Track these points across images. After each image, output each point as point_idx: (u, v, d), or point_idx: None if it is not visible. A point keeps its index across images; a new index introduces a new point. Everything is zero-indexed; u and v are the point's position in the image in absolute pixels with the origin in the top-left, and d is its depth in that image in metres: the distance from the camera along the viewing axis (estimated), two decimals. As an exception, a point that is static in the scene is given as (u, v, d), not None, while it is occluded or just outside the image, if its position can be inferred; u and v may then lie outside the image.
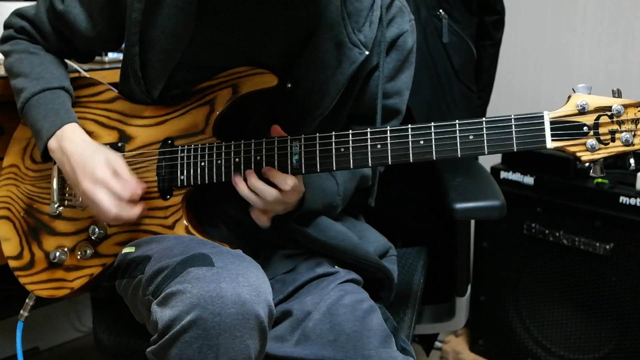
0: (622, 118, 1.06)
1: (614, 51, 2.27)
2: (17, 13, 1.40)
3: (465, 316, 2.11)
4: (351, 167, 1.16)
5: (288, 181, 1.19)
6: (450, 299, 2.05)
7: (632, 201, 1.94)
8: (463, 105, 2.07)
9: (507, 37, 2.16)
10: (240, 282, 1.03)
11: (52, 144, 1.30)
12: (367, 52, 1.24)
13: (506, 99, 2.45)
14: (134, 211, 1.24)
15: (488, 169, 2.15)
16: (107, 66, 1.81)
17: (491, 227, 2.25)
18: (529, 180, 2.15)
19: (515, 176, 2.18)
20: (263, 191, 1.19)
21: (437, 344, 2.42)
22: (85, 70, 1.56)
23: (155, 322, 1.04)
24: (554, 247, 2.10)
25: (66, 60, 1.50)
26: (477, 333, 2.36)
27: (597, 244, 2.01)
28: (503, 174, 2.20)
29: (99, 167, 1.23)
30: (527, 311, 2.20)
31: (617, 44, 2.27)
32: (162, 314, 1.03)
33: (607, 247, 1.99)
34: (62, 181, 1.39)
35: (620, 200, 1.97)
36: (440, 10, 1.97)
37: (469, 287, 2.14)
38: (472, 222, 2.26)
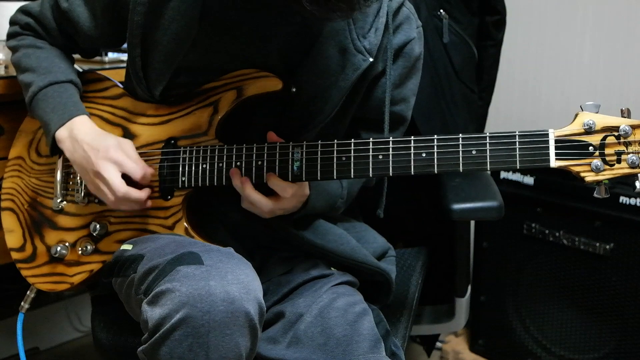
0: (629, 139, 1.04)
1: (614, 51, 2.27)
2: (23, 10, 1.42)
3: (466, 317, 2.11)
4: (352, 176, 1.16)
5: (288, 189, 1.19)
6: (450, 300, 2.05)
7: (632, 201, 1.94)
8: (463, 105, 2.06)
9: (508, 38, 2.15)
10: (229, 280, 1.03)
11: (62, 133, 1.31)
12: (371, 59, 1.23)
13: (506, 100, 2.45)
14: (142, 194, 1.25)
15: (488, 169, 2.15)
16: (107, 66, 1.82)
17: (491, 227, 2.24)
18: (529, 180, 2.15)
19: (515, 176, 2.18)
20: (258, 202, 1.21)
21: (437, 344, 2.42)
22: (86, 70, 1.56)
23: (145, 322, 1.05)
24: (554, 247, 2.10)
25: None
26: (477, 333, 2.35)
27: (597, 244, 2.01)
28: (503, 174, 2.20)
29: (113, 148, 1.25)
30: (527, 311, 2.20)
31: (617, 44, 2.26)
32: (152, 313, 1.03)
33: (607, 247, 1.99)
34: (66, 176, 1.40)
35: (620, 200, 1.96)
36: (441, 10, 1.97)
37: (469, 288, 2.15)
38: (472, 222, 2.26)
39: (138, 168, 1.24)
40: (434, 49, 1.97)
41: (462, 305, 2.06)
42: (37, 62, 1.36)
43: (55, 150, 1.34)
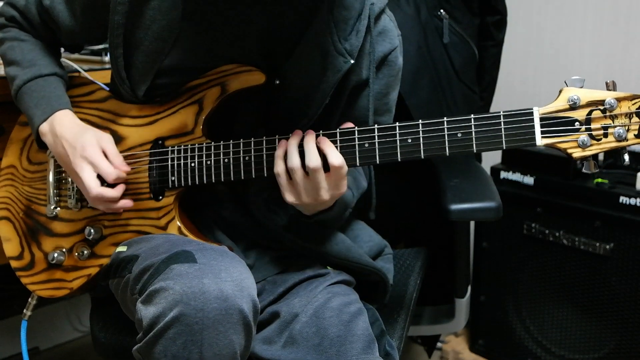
0: (615, 112, 1.03)
1: (614, 51, 2.27)
2: (8, 2, 1.42)
3: (466, 318, 2.11)
4: None
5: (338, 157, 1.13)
6: (451, 300, 2.05)
7: (632, 201, 1.94)
8: (464, 105, 2.06)
9: (508, 37, 2.15)
10: (222, 278, 1.03)
11: (44, 127, 1.31)
12: (352, 61, 1.23)
13: (506, 99, 2.45)
14: (115, 192, 1.25)
15: (488, 169, 2.16)
16: (107, 66, 1.82)
17: (491, 227, 2.24)
18: (529, 180, 2.15)
19: (515, 176, 2.17)
20: (291, 155, 1.14)
21: (437, 344, 2.42)
22: (85, 70, 1.57)
23: (140, 320, 1.05)
24: (554, 247, 2.10)
25: (66, 61, 1.51)
26: (477, 333, 2.36)
27: (597, 244, 2.00)
28: (503, 174, 2.20)
29: (89, 146, 1.25)
30: (527, 311, 2.20)
31: (617, 44, 2.26)
32: (146, 312, 1.03)
33: (607, 247, 1.98)
34: (58, 182, 1.40)
35: (620, 200, 1.96)
36: (441, 10, 1.97)
37: (469, 288, 2.14)
38: (472, 222, 2.26)
39: (112, 170, 1.24)
40: (434, 49, 1.97)
41: (462, 305, 2.06)
42: (21, 55, 1.37)
43: (42, 144, 1.35)
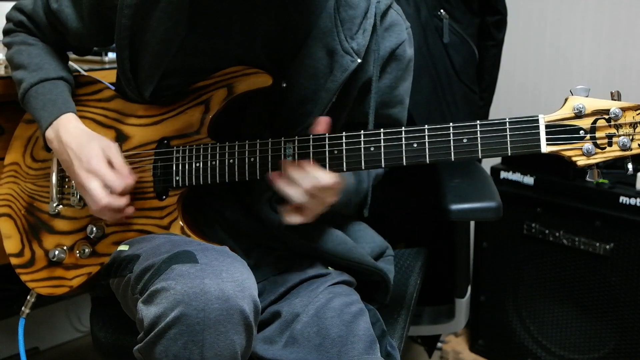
0: (619, 122, 1.04)
1: (614, 51, 2.27)
2: (17, 7, 1.43)
3: (466, 318, 2.11)
4: (344, 169, 1.16)
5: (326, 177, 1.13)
6: (451, 300, 2.05)
7: (632, 201, 1.94)
8: (464, 105, 2.06)
9: (508, 37, 2.16)
10: (224, 278, 1.03)
11: (50, 133, 1.32)
12: (359, 60, 1.23)
13: (506, 100, 2.45)
14: (123, 201, 1.26)
15: (488, 169, 2.16)
16: (107, 66, 1.82)
17: (491, 227, 2.24)
18: (529, 180, 2.15)
19: (515, 176, 2.18)
20: (300, 179, 1.13)
21: (437, 344, 2.42)
22: (85, 70, 1.57)
23: (141, 320, 1.05)
24: (554, 247, 2.10)
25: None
26: (477, 333, 2.36)
27: (597, 244, 2.01)
28: (503, 174, 2.20)
29: (94, 157, 1.25)
30: (527, 311, 2.20)
31: (617, 44, 2.26)
32: (147, 312, 1.04)
33: (607, 247, 1.99)
34: (61, 180, 1.40)
35: (620, 200, 1.96)
36: (441, 10, 1.97)
37: (469, 288, 2.14)
38: (472, 222, 2.26)
39: (119, 181, 1.24)
40: (434, 49, 1.97)
41: (462, 305, 2.06)
42: (28, 58, 1.37)
43: (50, 147, 1.35)
